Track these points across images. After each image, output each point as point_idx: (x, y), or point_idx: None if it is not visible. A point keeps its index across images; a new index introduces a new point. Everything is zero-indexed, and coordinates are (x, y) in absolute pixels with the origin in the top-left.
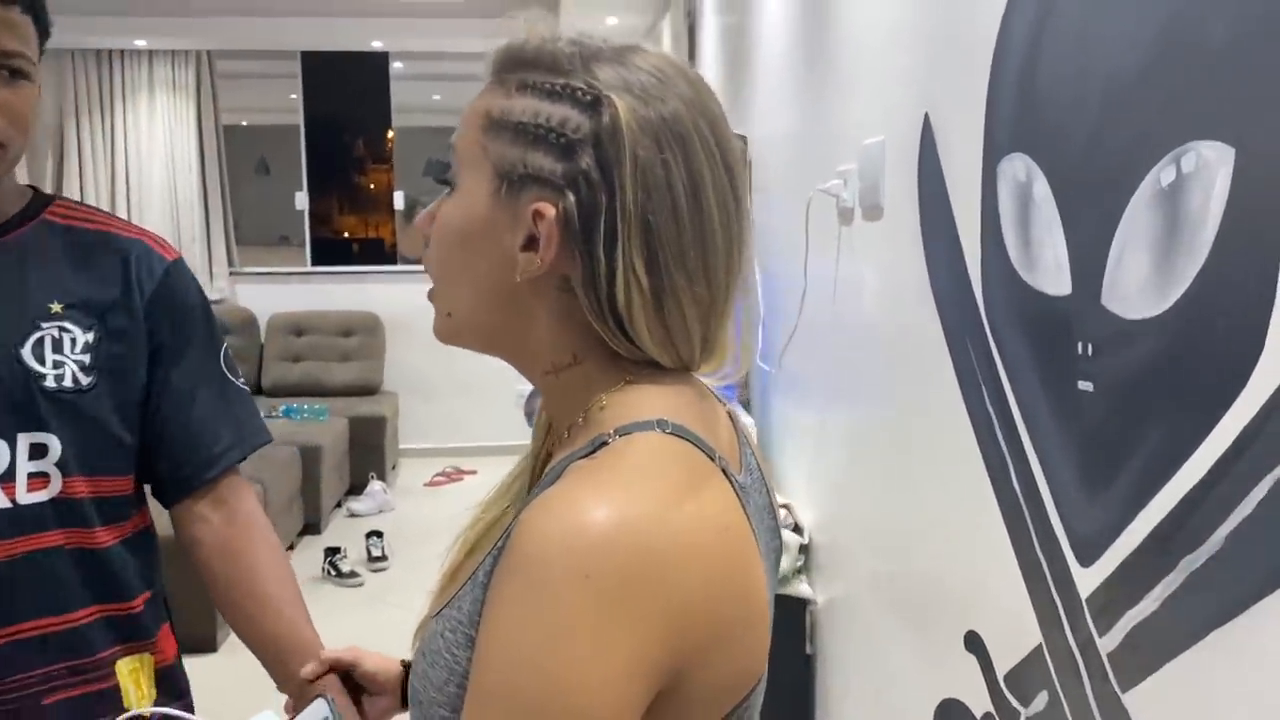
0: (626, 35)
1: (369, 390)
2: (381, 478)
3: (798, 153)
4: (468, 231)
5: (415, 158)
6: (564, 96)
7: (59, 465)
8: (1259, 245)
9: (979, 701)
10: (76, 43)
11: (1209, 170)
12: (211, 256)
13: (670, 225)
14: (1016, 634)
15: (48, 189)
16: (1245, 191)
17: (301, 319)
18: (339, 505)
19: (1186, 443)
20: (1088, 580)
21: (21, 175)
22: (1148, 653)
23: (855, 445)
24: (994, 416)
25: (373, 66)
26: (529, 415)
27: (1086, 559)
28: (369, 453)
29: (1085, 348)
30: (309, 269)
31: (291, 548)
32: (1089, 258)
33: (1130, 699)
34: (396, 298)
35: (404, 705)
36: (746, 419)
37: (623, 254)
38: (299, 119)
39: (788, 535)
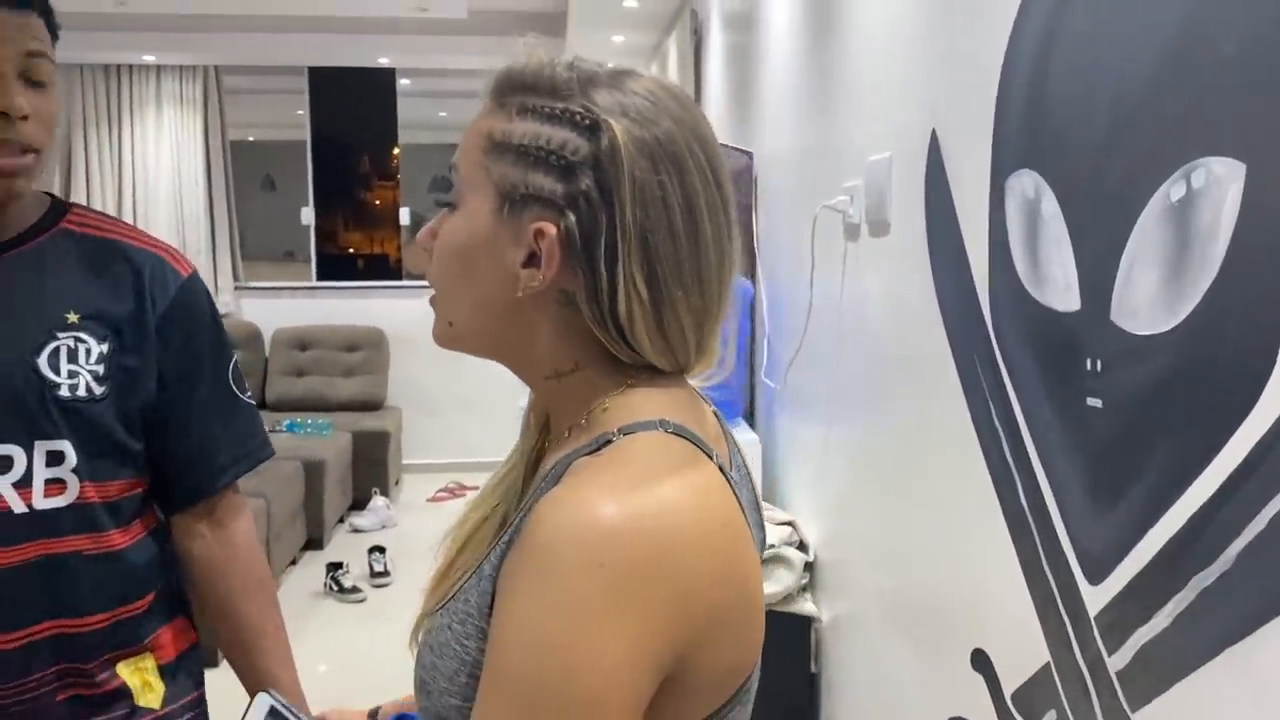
0: (632, 52)
1: (373, 405)
2: (384, 493)
3: (803, 169)
4: (471, 248)
5: (421, 174)
6: (563, 120)
7: (75, 472)
8: (1271, 261)
9: None
10: (85, 57)
11: (1219, 186)
12: (217, 271)
13: (667, 241)
14: (1024, 652)
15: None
16: (1256, 207)
17: (306, 334)
18: (342, 520)
19: (1197, 459)
20: (1096, 598)
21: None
22: (1158, 671)
23: (861, 462)
24: (1001, 433)
25: (379, 83)
26: None
27: (1095, 576)
28: (372, 468)
29: (1094, 364)
30: (314, 284)
31: (294, 563)
32: (1098, 274)
33: (1140, 718)
34: (401, 313)
35: None
36: (750, 435)
37: (623, 269)
38: (305, 135)
39: (792, 552)
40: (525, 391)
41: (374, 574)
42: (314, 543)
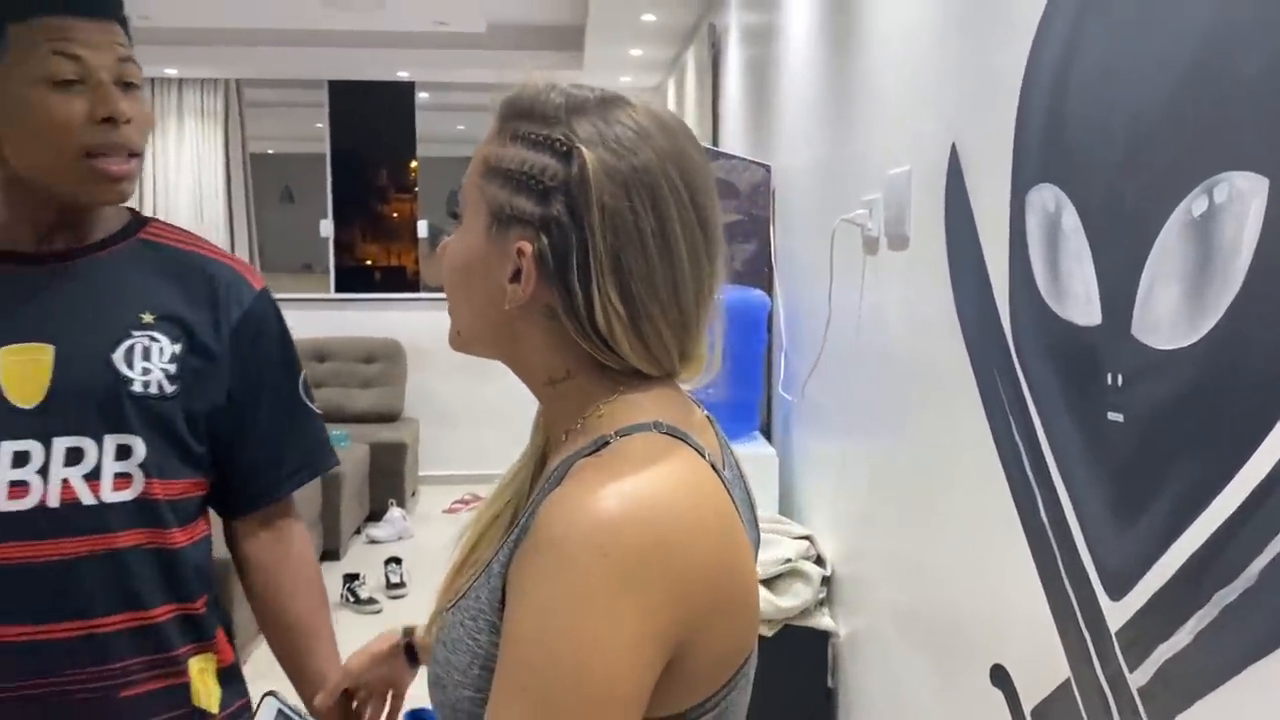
0: (650, 66)
1: (390, 417)
2: (401, 504)
3: (822, 182)
4: (468, 263)
5: (438, 187)
6: (545, 147)
7: (142, 467)
8: None
9: None
10: None
11: (1242, 200)
12: None
13: (640, 260)
14: (1044, 668)
15: None
16: None
17: (324, 345)
18: (358, 531)
19: (1219, 475)
20: (1117, 614)
21: None
22: (1180, 688)
23: (879, 476)
24: (1021, 447)
25: (398, 96)
26: None
27: (1116, 592)
28: (389, 479)
29: (1115, 378)
30: (332, 296)
31: None
32: (1119, 288)
33: None
34: (418, 325)
35: (411, 663)
36: (767, 449)
37: (598, 287)
38: (325, 147)
39: (809, 567)
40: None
41: (390, 585)
42: (331, 554)
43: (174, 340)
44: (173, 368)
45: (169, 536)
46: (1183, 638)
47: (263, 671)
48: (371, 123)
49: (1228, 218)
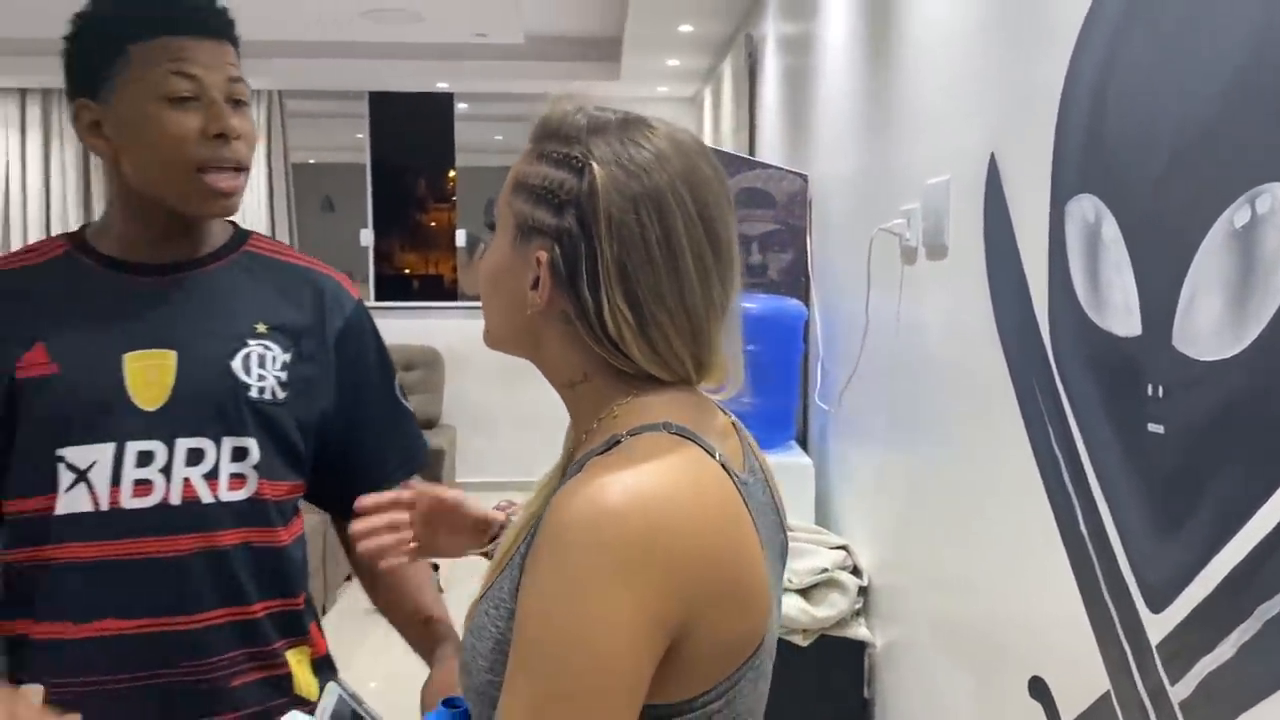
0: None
1: (428, 423)
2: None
3: (859, 192)
4: (497, 271)
5: (476, 197)
6: (563, 164)
7: (255, 468)
8: None
9: None
10: None
11: None
12: None
13: (646, 271)
14: (1083, 680)
15: None
16: None
17: None
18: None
19: (1261, 487)
20: (1158, 626)
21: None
22: (1222, 702)
23: (916, 486)
24: (1061, 458)
25: (437, 107)
26: None
27: (1157, 604)
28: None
29: (1155, 389)
30: (372, 304)
31: (349, 579)
32: (1159, 299)
33: None
34: (456, 332)
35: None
36: (803, 458)
37: (606, 294)
38: (365, 158)
39: (845, 577)
40: None
41: None
42: None
43: (285, 349)
44: (284, 375)
45: (275, 535)
46: (1225, 651)
47: None
48: (411, 133)
49: (1270, 229)
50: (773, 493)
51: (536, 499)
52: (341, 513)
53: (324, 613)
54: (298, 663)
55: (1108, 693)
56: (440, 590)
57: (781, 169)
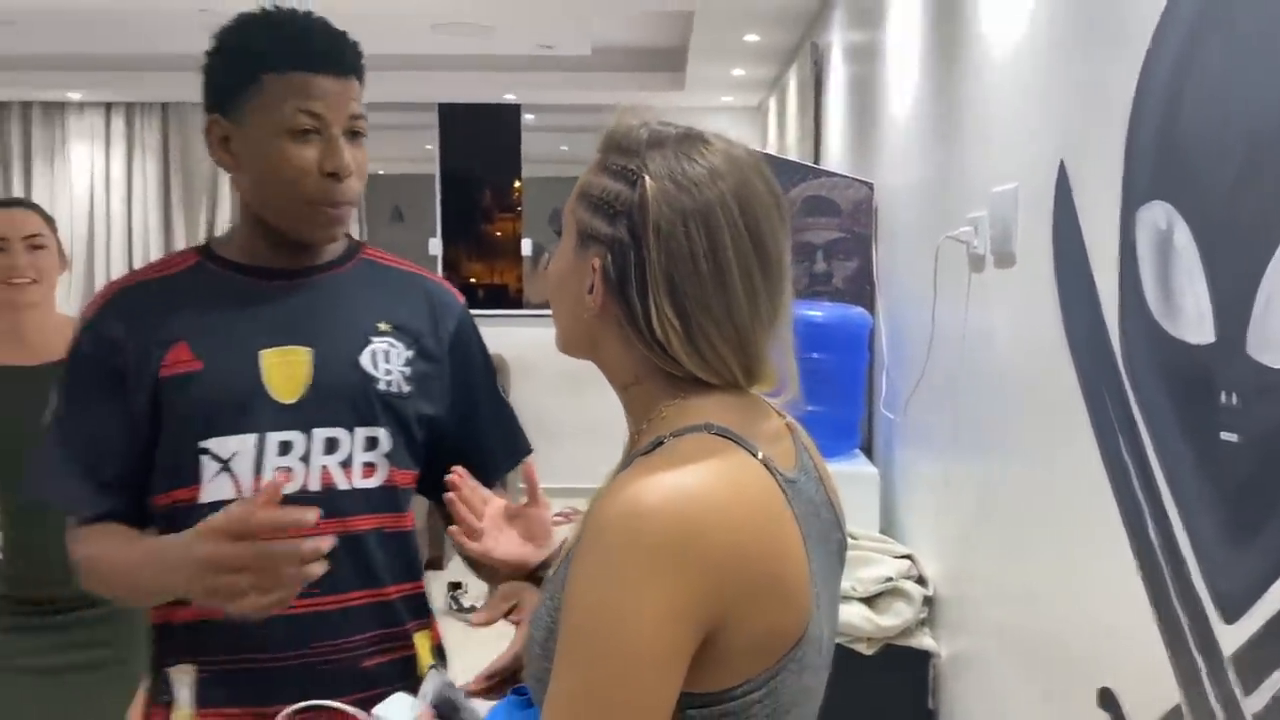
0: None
1: None
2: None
3: (926, 199)
4: (561, 276)
5: (542, 206)
6: (620, 176)
7: (386, 457)
8: None
9: None
10: None
11: None
12: None
13: (693, 282)
14: (1154, 691)
15: (201, 232)
16: None
17: None
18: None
19: None
20: (1231, 637)
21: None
22: None
23: (983, 496)
24: (1131, 467)
25: (505, 118)
26: None
27: (1230, 614)
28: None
29: (1229, 397)
30: None
31: None
32: (1233, 306)
33: None
34: (521, 341)
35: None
36: (868, 467)
37: (654, 302)
38: (434, 168)
39: (910, 586)
40: None
41: (460, 609)
42: (434, 563)
43: (407, 347)
44: (407, 370)
45: (402, 520)
46: None
47: None
48: (478, 144)
49: None
50: (829, 493)
51: (593, 500)
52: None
53: None
54: (422, 645)
55: (1179, 705)
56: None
57: (846, 177)
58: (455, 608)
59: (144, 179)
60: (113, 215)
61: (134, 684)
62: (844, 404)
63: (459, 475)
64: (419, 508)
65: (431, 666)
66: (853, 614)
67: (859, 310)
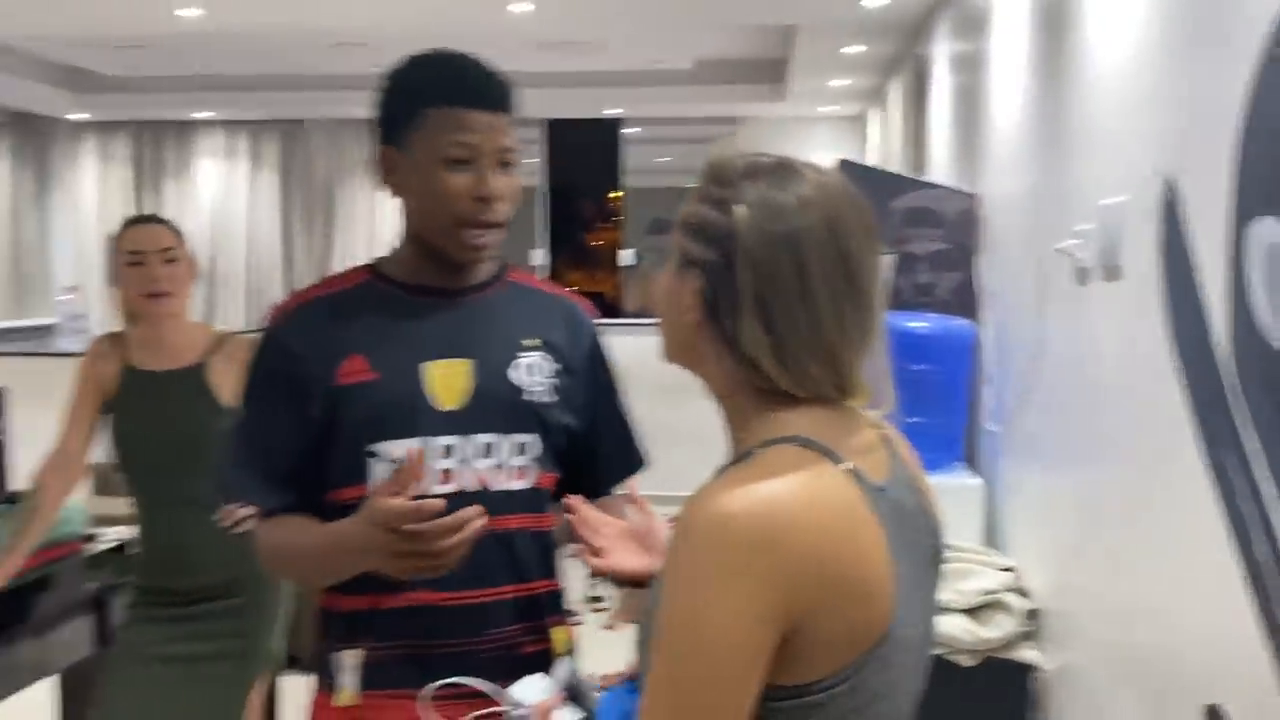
0: (852, 96)
1: None
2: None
3: (1032, 212)
4: (665, 295)
5: (642, 216)
6: (716, 204)
7: (535, 461)
8: None
9: None
10: (349, 112)
11: None
12: None
13: (781, 303)
14: (1263, 709)
15: (318, 245)
16: None
17: None
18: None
19: None
20: None
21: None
22: None
23: (1089, 509)
24: (1240, 482)
25: (607, 131)
26: None
27: None
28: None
29: None
30: None
31: None
32: None
33: None
34: (617, 349)
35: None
36: (972, 479)
37: (744, 321)
38: (537, 181)
39: (1013, 598)
40: None
41: (591, 599)
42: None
43: (552, 361)
44: (554, 382)
45: (545, 520)
46: None
47: None
48: (580, 157)
49: None
50: (924, 501)
51: (684, 507)
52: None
53: None
54: (558, 638)
55: None
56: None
57: (950, 188)
58: (592, 600)
59: (265, 194)
60: (235, 228)
61: (258, 674)
62: (947, 416)
63: (576, 501)
64: None
65: (563, 655)
66: (954, 625)
67: (963, 322)
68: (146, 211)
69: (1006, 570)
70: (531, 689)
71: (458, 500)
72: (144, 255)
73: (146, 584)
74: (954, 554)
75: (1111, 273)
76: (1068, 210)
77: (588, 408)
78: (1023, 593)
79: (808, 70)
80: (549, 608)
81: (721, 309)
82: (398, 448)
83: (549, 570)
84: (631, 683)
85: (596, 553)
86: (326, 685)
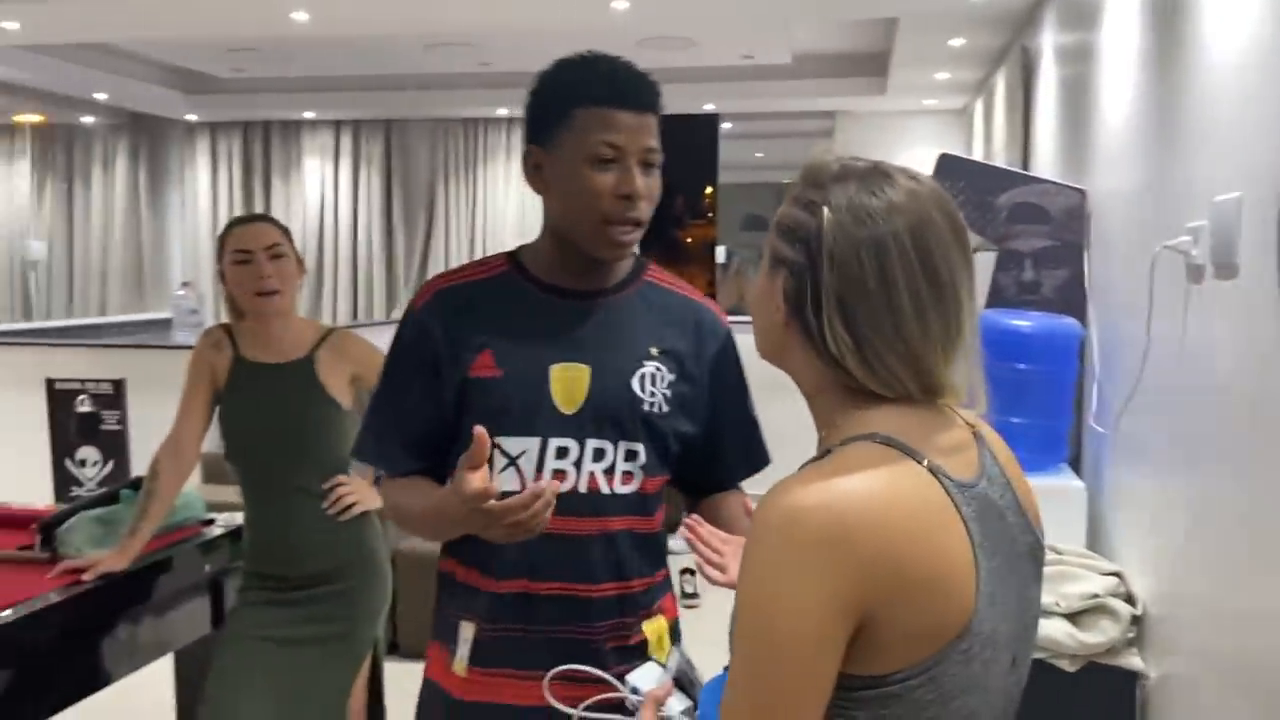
0: (956, 89)
1: None
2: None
3: (1142, 208)
4: (757, 294)
5: (735, 213)
6: (806, 206)
7: (642, 468)
8: None
9: None
10: (447, 112)
11: None
12: None
13: (864, 304)
14: None
15: (419, 242)
16: None
17: None
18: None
19: None
20: None
21: (399, 226)
22: None
23: (1200, 515)
24: None
25: (703, 128)
26: None
27: None
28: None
29: None
30: None
31: None
32: None
33: None
34: None
35: None
36: (1075, 482)
37: (827, 320)
38: None
39: (1118, 604)
40: None
41: (684, 595)
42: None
43: (671, 370)
44: (669, 392)
45: (650, 523)
46: None
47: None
48: (675, 153)
49: None
50: (1019, 498)
51: (763, 500)
52: (692, 494)
53: None
54: (653, 630)
55: None
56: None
57: (1057, 183)
58: (684, 593)
59: (368, 190)
60: (340, 224)
61: (362, 656)
62: (1051, 416)
63: (695, 521)
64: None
65: (674, 644)
66: (1055, 629)
67: (1069, 320)
68: (256, 209)
69: (1111, 575)
70: (647, 677)
71: (570, 500)
72: (251, 254)
73: (255, 569)
74: (1057, 557)
75: (1225, 270)
76: (1180, 206)
77: (710, 411)
78: (1128, 598)
79: (910, 63)
80: (646, 603)
81: (807, 309)
82: (517, 444)
83: (649, 569)
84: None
85: (718, 567)
86: (443, 644)
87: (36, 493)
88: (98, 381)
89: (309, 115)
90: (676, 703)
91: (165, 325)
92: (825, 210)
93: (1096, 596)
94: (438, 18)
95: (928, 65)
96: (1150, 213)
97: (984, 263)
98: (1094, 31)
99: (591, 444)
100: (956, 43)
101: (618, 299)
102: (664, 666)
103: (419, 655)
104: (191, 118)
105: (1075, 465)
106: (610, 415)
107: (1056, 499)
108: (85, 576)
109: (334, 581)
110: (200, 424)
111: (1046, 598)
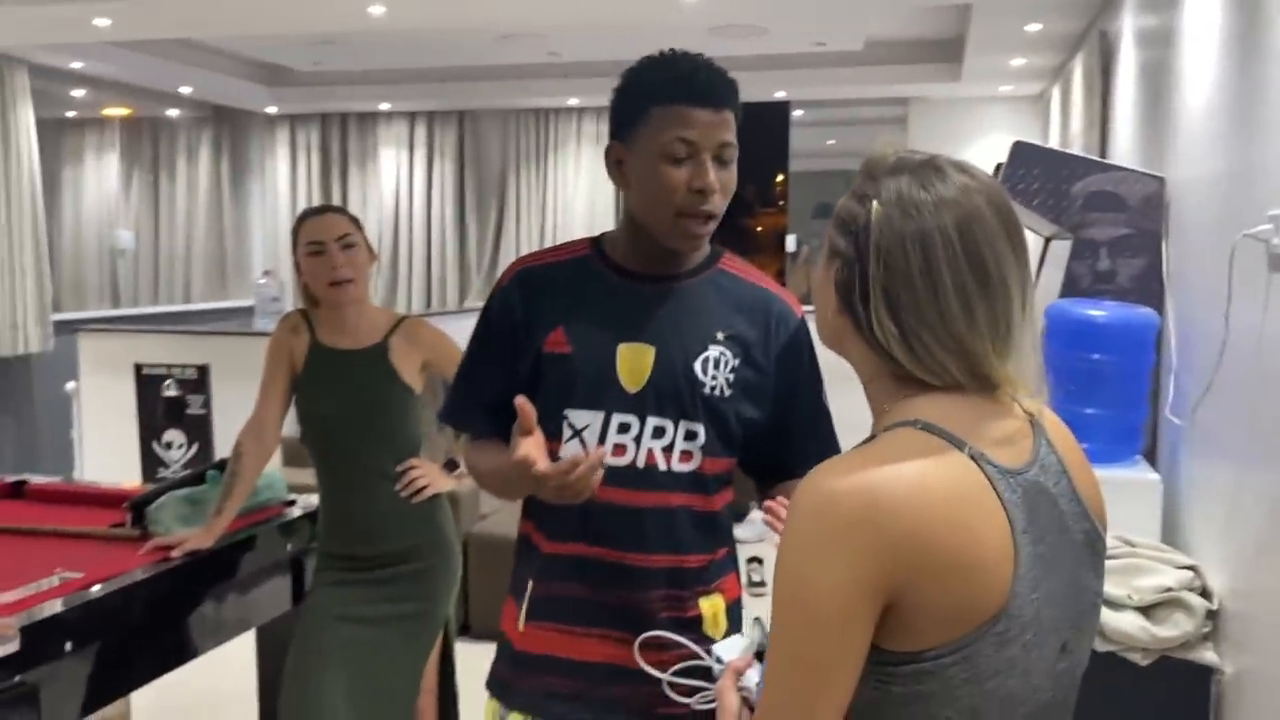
0: (1032, 75)
1: None
2: (761, 506)
3: (1223, 195)
4: (816, 283)
5: (806, 201)
6: (860, 198)
7: (701, 448)
8: None
9: None
10: (519, 103)
11: None
12: None
13: (909, 295)
14: None
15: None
16: None
17: None
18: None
19: None
20: None
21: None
22: None
23: (1279, 507)
24: None
25: (774, 115)
26: None
27: None
28: (750, 482)
29: None
30: None
31: None
32: None
33: None
34: None
35: None
36: (1150, 474)
37: (874, 310)
38: None
39: (1193, 598)
40: None
41: (751, 584)
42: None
43: (735, 355)
44: (732, 377)
45: (710, 502)
46: None
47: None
48: (747, 141)
49: None
50: (1076, 485)
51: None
52: (763, 481)
53: None
54: (709, 606)
55: None
56: None
57: (1134, 171)
58: (750, 581)
59: (441, 180)
60: (415, 213)
61: (434, 635)
62: (1126, 407)
63: (778, 503)
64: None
65: (756, 619)
66: (1128, 622)
67: (1145, 310)
68: (333, 199)
69: (1187, 569)
70: (732, 648)
71: (629, 473)
72: (323, 244)
73: (328, 550)
74: (1130, 550)
75: None
76: (1262, 194)
77: (778, 399)
78: (1204, 593)
79: (984, 49)
80: (703, 579)
81: (855, 299)
82: (583, 417)
83: (707, 547)
84: None
85: None
86: (515, 599)
87: (125, 474)
88: (183, 367)
89: (384, 107)
90: (755, 674)
91: (248, 313)
92: (874, 203)
93: (1170, 590)
94: (508, 10)
95: (1003, 51)
96: (1231, 200)
97: (1059, 251)
98: (1175, 15)
99: (652, 421)
100: (1033, 28)
101: (690, 284)
102: (747, 638)
103: (490, 637)
104: (272, 110)
105: (1150, 457)
106: (671, 395)
107: (1131, 491)
108: (173, 553)
109: (406, 562)
110: (280, 407)
111: (1119, 590)
